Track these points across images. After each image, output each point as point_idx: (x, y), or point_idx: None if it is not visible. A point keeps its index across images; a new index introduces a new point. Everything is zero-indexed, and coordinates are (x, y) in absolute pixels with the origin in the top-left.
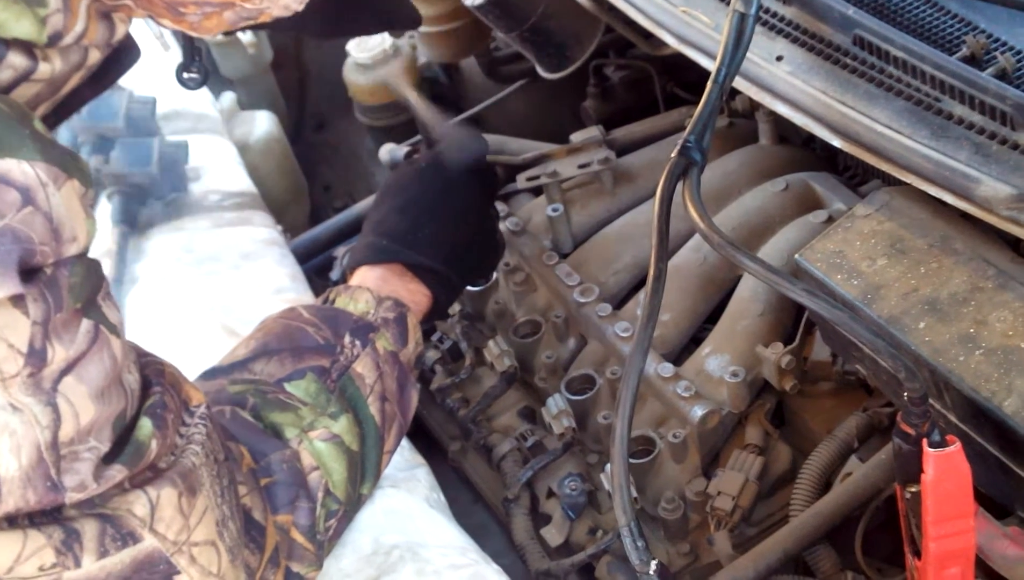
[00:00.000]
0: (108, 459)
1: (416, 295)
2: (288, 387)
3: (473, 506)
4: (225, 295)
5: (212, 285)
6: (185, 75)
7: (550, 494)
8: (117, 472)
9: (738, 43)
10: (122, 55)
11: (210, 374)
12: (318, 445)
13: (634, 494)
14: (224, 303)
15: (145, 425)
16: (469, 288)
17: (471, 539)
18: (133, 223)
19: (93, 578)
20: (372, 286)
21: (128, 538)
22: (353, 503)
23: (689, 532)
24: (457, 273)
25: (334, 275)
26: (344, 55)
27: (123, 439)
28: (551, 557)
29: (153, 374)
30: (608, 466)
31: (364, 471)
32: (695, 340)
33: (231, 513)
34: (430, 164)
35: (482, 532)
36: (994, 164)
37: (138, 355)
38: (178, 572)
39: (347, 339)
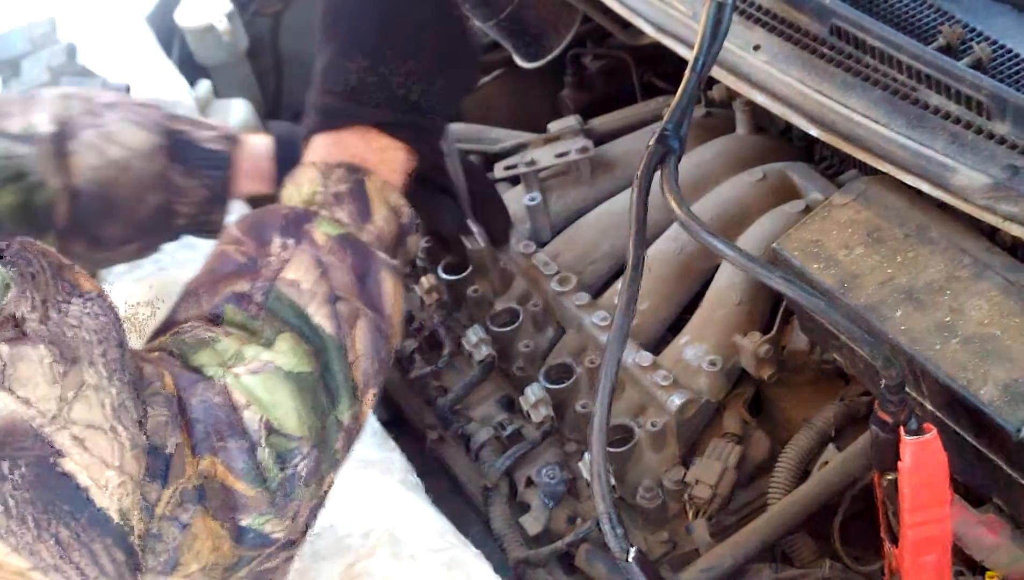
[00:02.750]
0: None
1: (388, 153)
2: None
3: (451, 495)
4: None
5: (186, 273)
6: None
7: (529, 483)
8: None
9: (715, 32)
10: None
11: (151, 337)
12: (245, 380)
13: (613, 482)
14: None
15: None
16: (445, 276)
17: (448, 522)
18: None
19: None
20: (322, 156)
21: None
22: (323, 433)
23: (667, 520)
24: (435, 107)
25: None
26: None
27: None
28: (530, 545)
29: (25, 243)
30: (587, 455)
31: (332, 391)
32: (673, 329)
33: (134, 407)
34: None
35: (461, 521)
36: (970, 153)
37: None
38: (61, 455)
39: (275, 243)
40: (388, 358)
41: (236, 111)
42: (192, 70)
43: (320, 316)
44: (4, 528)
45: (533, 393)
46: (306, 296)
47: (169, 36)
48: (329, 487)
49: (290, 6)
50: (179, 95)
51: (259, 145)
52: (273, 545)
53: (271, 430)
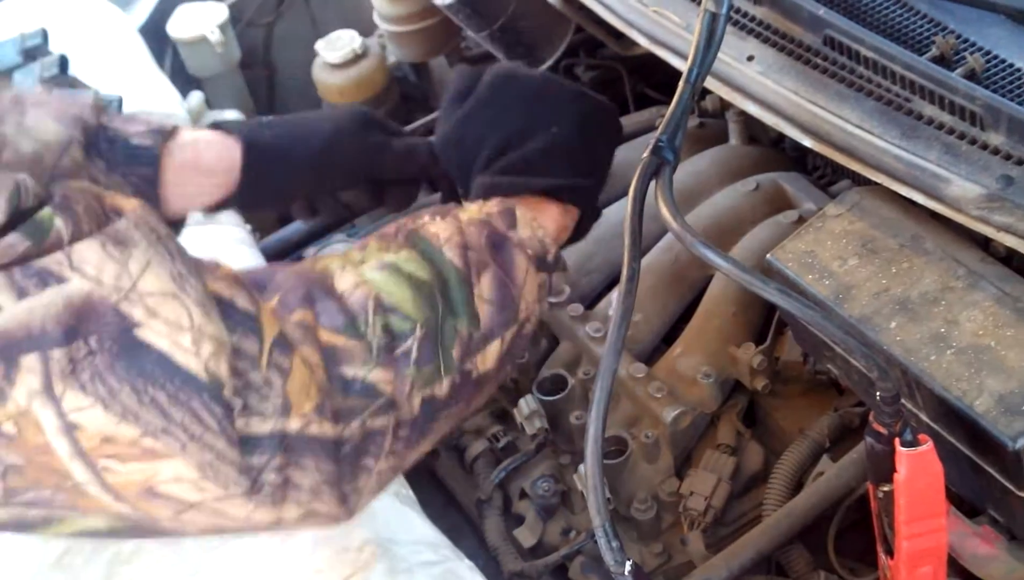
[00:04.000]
0: (3, 231)
1: (549, 215)
2: None
3: (446, 508)
4: None
5: None
6: None
7: (523, 495)
8: (17, 241)
9: (709, 43)
10: None
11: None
12: (367, 273)
13: (608, 495)
14: None
15: (47, 212)
16: None
17: (443, 535)
18: None
19: (24, 324)
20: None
21: (46, 276)
22: (440, 330)
23: (662, 532)
24: (590, 177)
25: None
26: (313, 54)
27: (21, 218)
28: (524, 558)
29: (64, 188)
30: (581, 467)
31: (451, 305)
32: (666, 340)
33: (189, 272)
34: (504, 74)
35: (455, 534)
36: (964, 164)
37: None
38: (138, 325)
39: (425, 217)
40: (514, 321)
41: None
42: (185, 81)
43: (450, 254)
44: (107, 398)
45: (527, 405)
46: (439, 240)
47: (162, 47)
48: (452, 399)
49: (282, 17)
50: (171, 106)
51: (202, 140)
52: (380, 398)
53: (385, 308)
